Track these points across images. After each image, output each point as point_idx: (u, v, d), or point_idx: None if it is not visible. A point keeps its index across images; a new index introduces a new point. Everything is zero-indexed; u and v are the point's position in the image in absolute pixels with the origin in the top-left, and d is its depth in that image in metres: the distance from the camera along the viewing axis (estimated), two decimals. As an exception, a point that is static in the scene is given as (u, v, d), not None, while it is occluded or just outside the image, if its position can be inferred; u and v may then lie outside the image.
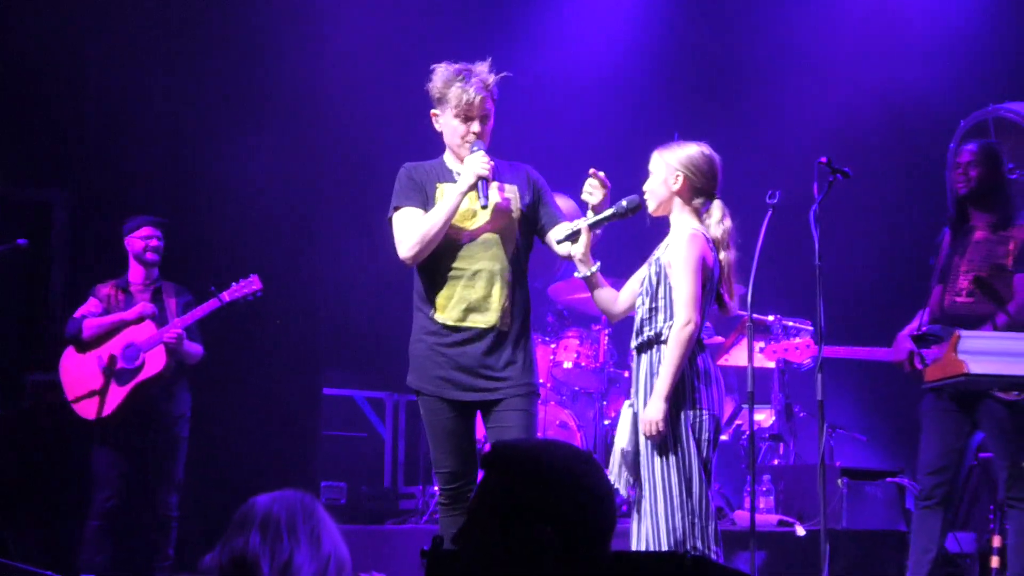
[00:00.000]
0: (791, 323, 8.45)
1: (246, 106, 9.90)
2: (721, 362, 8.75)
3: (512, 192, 5.40)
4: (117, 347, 7.78)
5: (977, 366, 5.92)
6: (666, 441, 4.96)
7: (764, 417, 9.06)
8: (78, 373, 7.85)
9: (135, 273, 8.05)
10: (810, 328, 8.29)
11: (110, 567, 7.79)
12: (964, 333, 6.01)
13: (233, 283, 7.85)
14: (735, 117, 10.21)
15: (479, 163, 5.22)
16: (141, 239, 7.99)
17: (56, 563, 6.43)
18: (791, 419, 8.91)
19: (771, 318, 8.44)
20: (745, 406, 6.77)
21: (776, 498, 8.26)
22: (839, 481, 7.89)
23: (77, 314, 7.91)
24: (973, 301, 6.39)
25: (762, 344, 8.41)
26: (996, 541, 7.18)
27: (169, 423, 7.86)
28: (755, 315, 5.99)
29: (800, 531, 7.49)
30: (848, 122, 9.89)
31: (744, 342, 7.13)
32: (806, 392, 8.65)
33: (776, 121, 10.17)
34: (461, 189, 5.24)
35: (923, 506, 6.50)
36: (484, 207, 5.24)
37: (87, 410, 7.76)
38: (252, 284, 7.85)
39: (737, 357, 8.67)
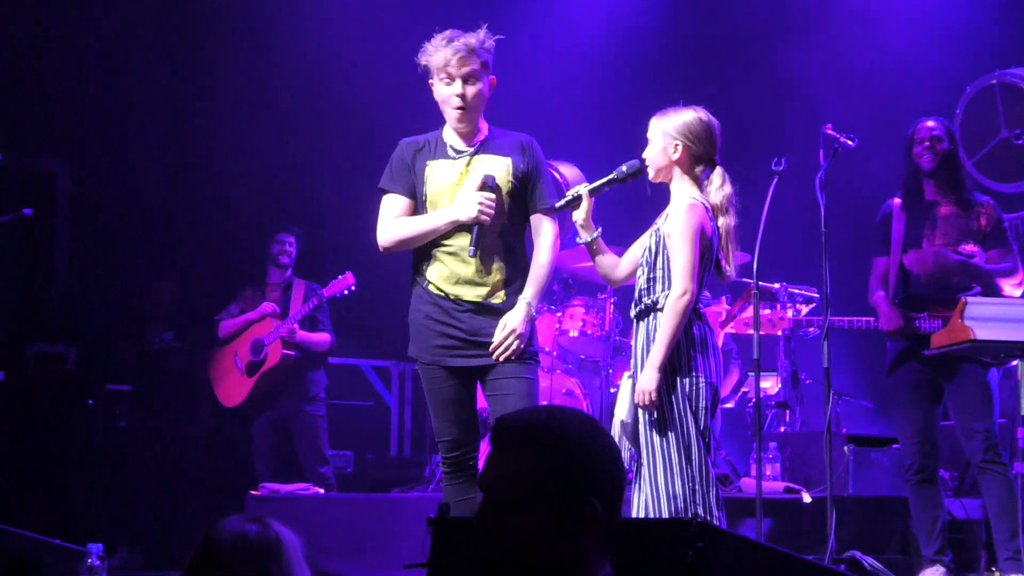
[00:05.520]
0: (797, 290, 8.43)
1: (246, 76, 9.89)
2: (728, 330, 8.73)
3: (504, 164, 5.35)
4: (246, 343, 8.75)
5: (983, 332, 5.93)
6: (663, 410, 4.96)
7: (770, 384, 9.06)
8: (219, 368, 8.88)
9: (271, 274, 8.96)
10: (816, 295, 8.28)
11: None
12: (970, 300, 6.02)
13: (332, 280, 8.69)
14: (742, 82, 10.17)
15: (486, 206, 5.19)
16: (276, 243, 8.91)
17: (60, 530, 6.43)
18: (797, 386, 8.90)
19: (777, 285, 8.42)
20: (751, 373, 6.77)
21: (782, 465, 8.26)
22: (845, 448, 7.89)
23: (216, 317, 8.92)
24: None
25: (768, 311, 8.40)
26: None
27: (305, 404, 8.84)
28: (761, 282, 5.98)
29: (806, 498, 7.49)
30: (854, 89, 9.85)
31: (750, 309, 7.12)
32: (812, 359, 8.64)
33: (782, 87, 10.13)
34: (457, 218, 5.22)
35: (920, 479, 6.52)
36: (472, 256, 5.22)
37: (226, 399, 8.83)
38: (346, 280, 8.66)
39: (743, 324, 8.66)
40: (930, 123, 6.59)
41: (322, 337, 8.85)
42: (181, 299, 9.44)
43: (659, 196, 5.31)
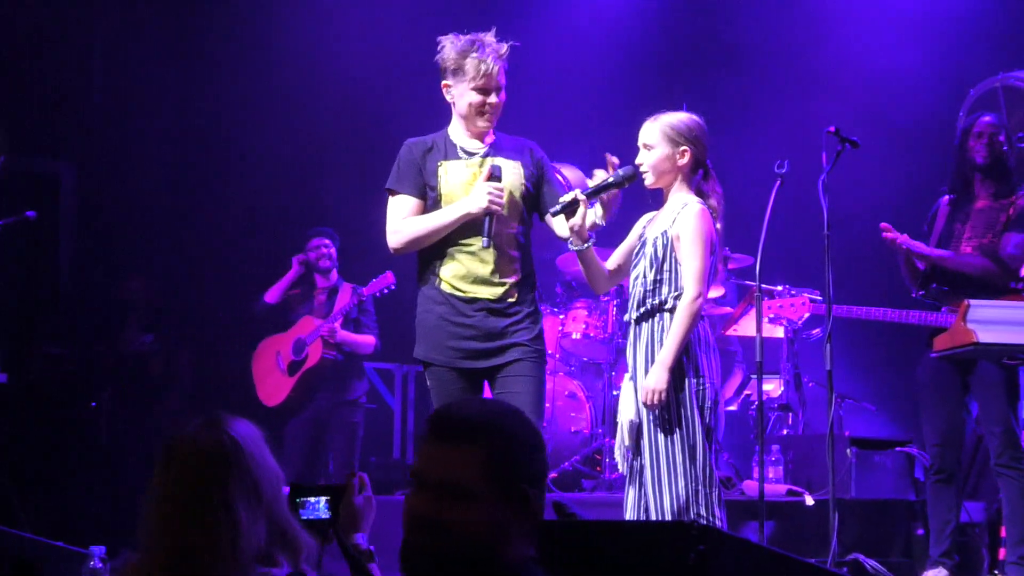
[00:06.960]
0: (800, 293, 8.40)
1: (250, 77, 9.90)
2: (730, 332, 8.72)
3: (516, 168, 5.36)
4: (289, 343, 8.67)
5: (986, 335, 5.92)
6: (670, 409, 4.99)
7: (773, 387, 9.04)
8: (262, 367, 8.82)
9: (316, 280, 8.88)
10: (819, 298, 8.25)
11: None
12: (973, 302, 6.01)
13: (372, 280, 8.57)
14: (746, 83, 10.16)
15: (496, 196, 5.18)
16: (312, 249, 8.81)
17: (61, 531, 6.43)
18: (800, 389, 8.88)
19: (779, 288, 8.40)
20: (754, 376, 6.76)
21: (785, 468, 8.24)
22: (848, 451, 7.88)
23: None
24: None
25: (771, 314, 8.38)
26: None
27: (344, 407, 8.74)
28: (764, 285, 5.97)
29: (809, 501, 7.48)
30: (858, 91, 9.84)
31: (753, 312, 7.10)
32: (815, 362, 8.63)
33: (785, 90, 10.12)
34: (468, 210, 5.21)
35: (938, 479, 6.49)
36: (486, 247, 5.20)
37: (267, 399, 8.75)
38: (386, 279, 8.55)
39: (746, 327, 8.64)
40: (987, 118, 6.56)
41: (366, 339, 8.77)
42: (165, 300, 9.40)
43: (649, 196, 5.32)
